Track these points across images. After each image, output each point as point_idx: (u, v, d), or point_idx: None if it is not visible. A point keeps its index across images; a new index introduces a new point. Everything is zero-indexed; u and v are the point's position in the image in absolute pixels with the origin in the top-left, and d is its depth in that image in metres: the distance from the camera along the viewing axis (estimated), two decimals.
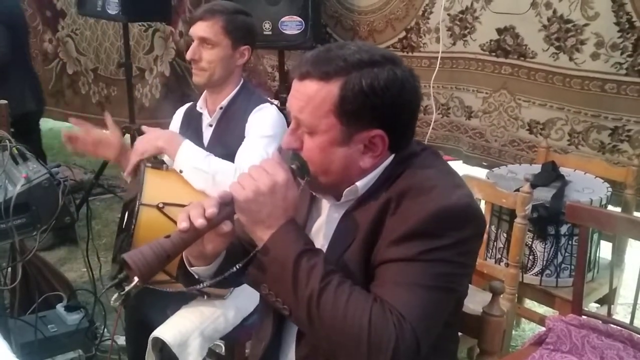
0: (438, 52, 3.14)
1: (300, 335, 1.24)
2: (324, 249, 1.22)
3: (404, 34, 3.31)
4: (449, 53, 3.13)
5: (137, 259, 1.04)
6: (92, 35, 4.76)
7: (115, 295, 1.09)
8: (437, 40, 3.13)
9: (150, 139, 1.89)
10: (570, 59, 2.67)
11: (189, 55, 1.96)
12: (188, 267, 1.25)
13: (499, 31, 2.89)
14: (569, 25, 2.65)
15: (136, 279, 1.04)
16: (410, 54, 3.29)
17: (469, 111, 3.13)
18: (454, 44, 3.09)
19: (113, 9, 3.50)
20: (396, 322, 1.02)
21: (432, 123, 3.26)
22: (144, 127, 2.01)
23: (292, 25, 3.23)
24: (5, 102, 2.38)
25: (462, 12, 3.02)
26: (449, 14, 3.07)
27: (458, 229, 1.09)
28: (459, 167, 3.45)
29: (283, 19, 3.22)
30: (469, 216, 1.12)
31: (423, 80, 3.12)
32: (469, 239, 1.12)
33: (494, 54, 2.95)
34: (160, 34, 4.47)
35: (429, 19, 3.16)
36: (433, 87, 3.21)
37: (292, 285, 1.06)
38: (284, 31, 3.24)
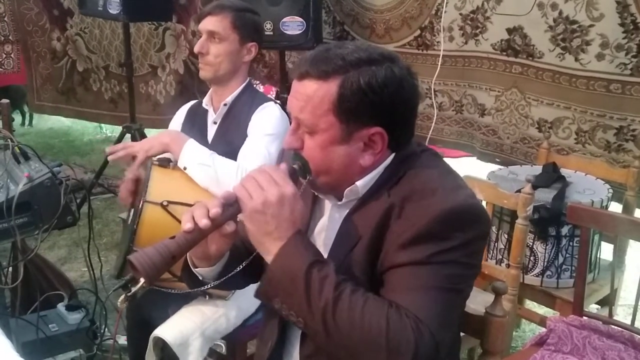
0: (451, 50, 3.18)
1: (305, 335, 1.24)
2: (327, 250, 1.22)
3: (418, 32, 3.35)
4: (461, 52, 3.16)
5: (143, 260, 1.05)
6: (101, 33, 4.77)
7: (122, 297, 1.09)
8: (450, 39, 3.17)
9: (157, 137, 1.92)
10: (576, 60, 2.69)
11: (196, 49, 1.98)
12: (192, 268, 1.25)
13: (509, 31, 2.92)
14: (575, 26, 2.66)
15: (142, 280, 1.05)
16: (425, 51, 3.33)
17: (482, 109, 3.16)
18: (465, 42, 3.12)
19: (114, 8, 3.51)
20: (414, 326, 1.02)
21: (434, 119, 3.30)
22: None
23: (293, 25, 3.23)
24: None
25: (473, 11, 3.05)
26: (460, 14, 3.10)
27: (465, 230, 1.09)
28: (473, 163, 3.50)
29: (284, 20, 3.22)
30: (474, 216, 1.12)
31: (438, 77, 3.21)
32: (475, 239, 1.12)
33: (504, 53, 2.98)
34: (171, 32, 4.49)
35: (441, 18, 3.19)
36: (447, 84, 3.26)
37: (306, 297, 1.05)
38: (285, 31, 3.24)
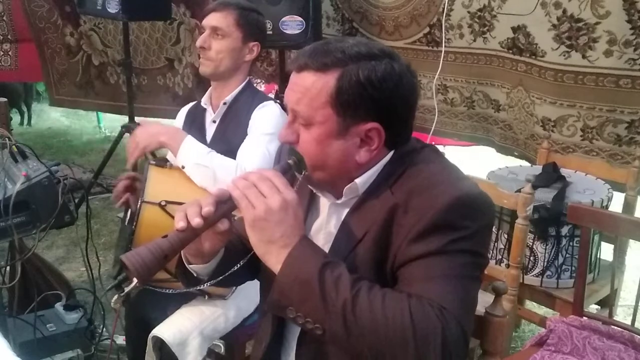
0: (462, 47, 3.20)
1: (302, 338, 1.23)
2: (326, 249, 1.21)
3: (428, 29, 3.36)
4: (470, 49, 3.18)
5: (135, 260, 1.04)
6: (115, 28, 4.79)
7: (115, 297, 1.09)
8: (461, 36, 3.18)
9: (153, 133, 1.89)
10: (583, 57, 2.69)
11: (198, 43, 1.98)
12: (186, 266, 1.24)
13: (514, 30, 2.93)
14: (580, 24, 2.66)
15: (135, 280, 1.05)
16: (435, 48, 3.34)
17: (497, 104, 3.18)
18: (474, 40, 3.14)
19: (113, 7, 3.49)
20: (438, 313, 1.00)
21: (436, 115, 3.31)
22: (141, 120, 2.03)
23: (292, 25, 3.22)
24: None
25: (480, 9, 3.06)
26: (468, 12, 3.12)
27: (474, 219, 1.09)
28: (493, 156, 3.56)
29: (284, 19, 3.22)
30: (482, 205, 1.12)
31: (450, 74, 3.24)
32: (484, 228, 1.12)
33: (511, 51, 2.99)
34: (185, 27, 4.51)
35: (450, 15, 3.20)
36: (457, 80, 3.29)
37: (322, 300, 1.01)
38: (284, 31, 3.23)
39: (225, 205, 1.11)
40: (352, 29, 3.73)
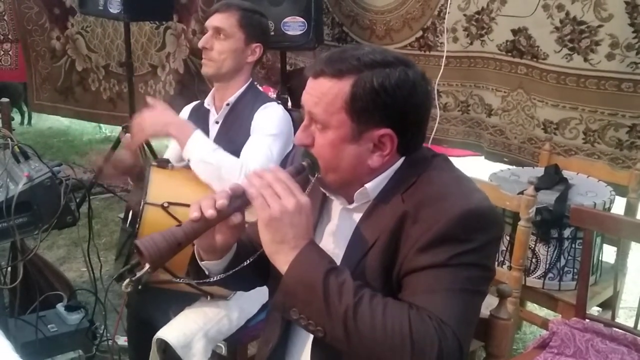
0: (456, 51, 3.19)
1: (316, 344, 1.23)
2: (338, 255, 1.22)
3: (420, 33, 3.34)
4: (466, 52, 3.17)
5: (149, 244, 1.07)
6: (103, 32, 4.77)
7: (127, 281, 1.12)
8: (454, 40, 3.17)
9: (165, 123, 1.87)
10: (585, 60, 2.69)
11: (201, 43, 1.99)
12: (199, 262, 1.26)
13: (514, 32, 2.92)
14: (583, 27, 2.66)
15: (147, 265, 1.07)
16: (427, 52, 3.33)
17: (489, 109, 3.17)
18: (471, 43, 3.12)
19: (115, 8, 3.50)
20: (437, 327, 1.02)
21: (437, 120, 3.29)
22: (149, 99, 2.01)
23: (294, 26, 3.22)
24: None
25: (477, 12, 3.05)
26: (464, 15, 3.10)
27: (482, 232, 1.10)
28: (480, 163, 3.52)
29: (285, 20, 3.22)
30: (491, 219, 1.13)
31: (443, 78, 3.21)
32: (491, 242, 1.13)
33: (510, 54, 2.98)
34: (171, 31, 4.49)
35: (444, 19, 3.19)
36: (452, 84, 3.27)
37: (325, 304, 1.04)
38: (286, 32, 3.23)
39: (238, 200, 1.14)
40: (342, 33, 3.70)
